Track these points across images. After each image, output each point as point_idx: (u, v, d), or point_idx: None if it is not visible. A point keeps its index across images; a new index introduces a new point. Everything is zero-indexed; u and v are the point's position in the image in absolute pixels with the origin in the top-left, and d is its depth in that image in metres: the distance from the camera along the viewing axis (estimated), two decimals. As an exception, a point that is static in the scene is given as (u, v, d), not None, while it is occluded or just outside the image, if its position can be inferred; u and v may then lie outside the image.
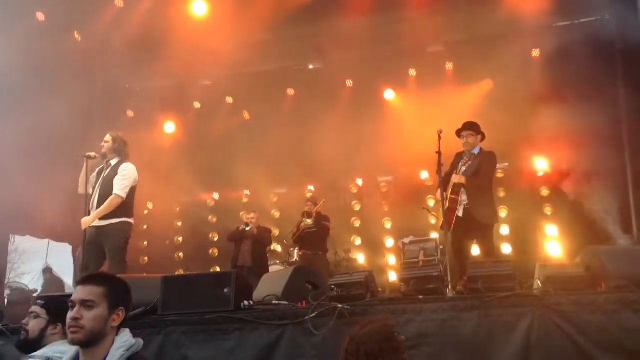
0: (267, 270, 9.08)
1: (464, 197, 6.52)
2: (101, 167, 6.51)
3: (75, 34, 10.04)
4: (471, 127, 6.84)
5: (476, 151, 6.80)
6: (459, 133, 6.86)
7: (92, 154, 6.34)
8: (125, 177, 6.35)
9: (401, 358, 2.89)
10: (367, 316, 4.43)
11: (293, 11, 9.42)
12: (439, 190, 6.68)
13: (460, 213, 6.50)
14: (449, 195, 6.54)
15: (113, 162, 6.43)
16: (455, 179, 6.48)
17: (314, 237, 9.63)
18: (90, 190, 6.35)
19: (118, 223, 6.29)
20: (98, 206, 6.26)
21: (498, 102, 10.09)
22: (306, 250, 9.61)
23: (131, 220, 6.41)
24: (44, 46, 9.21)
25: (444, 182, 6.86)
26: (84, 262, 6.21)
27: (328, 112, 10.90)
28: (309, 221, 9.56)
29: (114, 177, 6.34)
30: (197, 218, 12.54)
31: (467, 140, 6.78)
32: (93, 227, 6.21)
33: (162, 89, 12.15)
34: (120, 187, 6.30)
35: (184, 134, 12.07)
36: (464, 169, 6.70)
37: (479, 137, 6.86)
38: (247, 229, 9.50)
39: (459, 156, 6.87)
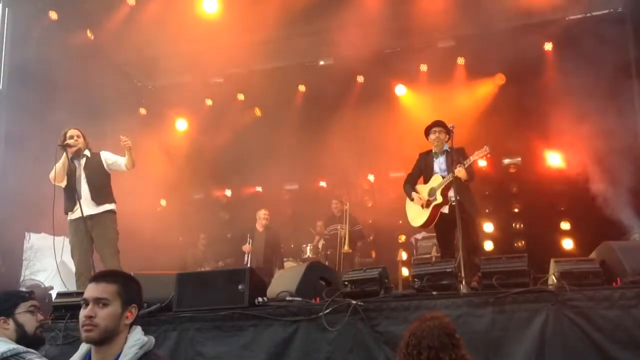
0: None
1: (451, 193, 6.49)
2: (63, 159, 6.43)
3: (88, 32, 10.09)
4: (442, 124, 6.82)
5: (446, 148, 6.76)
6: (429, 130, 6.82)
7: (72, 141, 6.43)
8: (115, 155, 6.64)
9: (461, 354, 2.91)
10: (381, 312, 4.45)
11: (303, 7, 9.40)
12: (414, 194, 6.79)
13: (445, 210, 6.51)
14: (438, 193, 6.56)
15: (87, 153, 6.59)
16: (459, 172, 6.32)
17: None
18: (64, 183, 6.42)
19: (111, 210, 6.48)
20: (92, 197, 6.38)
21: (510, 97, 10.04)
22: (332, 249, 9.82)
23: None
24: (57, 44, 9.28)
25: (412, 181, 6.96)
26: (82, 257, 6.25)
27: (339, 108, 10.90)
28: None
29: (98, 166, 6.55)
30: (210, 215, 12.58)
31: (439, 136, 6.73)
32: (87, 216, 6.21)
33: (174, 86, 12.20)
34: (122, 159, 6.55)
35: (196, 132, 12.12)
36: (443, 167, 6.68)
37: (447, 135, 6.82)
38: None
39: (429, 155, 6.83)
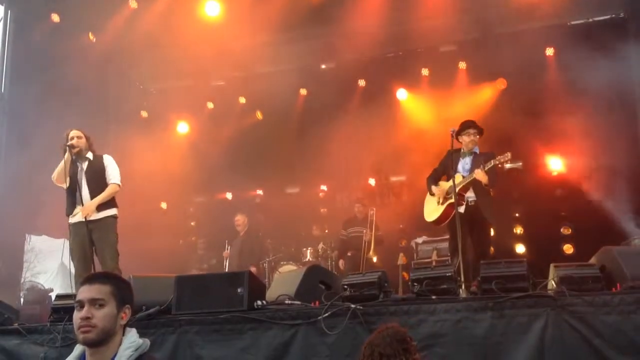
0: None
1: (469, 194, 6.49)
2: (66, 158, 6.39)
3: (90, 35, 10.11)
4: (477, 126, 6.80)
5: (476, 150, 6.76)
6: (462, 130, 6.72)
7: (74, 141, 6.40)
8: (116, 167, 6.56)
9: (413, 358, 3.03)
10: (380, 316, 4.44)
11: (305, 11, 9.42)
12: (434, 187, 6.77)
13: (461, 209, 6.41)
14: (455, 192, 6.51)
15: (89, 156, 6.53)
16: (478, 175, 6.36)
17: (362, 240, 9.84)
18: (66, 185, 6.40)
19: (112, 215, 6.47)
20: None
21: (511, 101, 10.04)
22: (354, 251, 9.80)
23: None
24: (59, 47, 9.30)
25: (435, 177, 6.93)
26: (81, 260, 6.27)
27: (340, 112, 10.91)
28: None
29: (100, 169, 6.48)
30: (211, 218, 12.58)
31: (473, 139, 6.70)
32: (88, 220, 6.24)
33: (175, 89, 12.22)
34: (117, 177, 6.51)
35: (197, 135, 12.13)
36: (467, 167, 6.63)
37: (479, 136, 6.83)
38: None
39: (456, 154, 6.69)
